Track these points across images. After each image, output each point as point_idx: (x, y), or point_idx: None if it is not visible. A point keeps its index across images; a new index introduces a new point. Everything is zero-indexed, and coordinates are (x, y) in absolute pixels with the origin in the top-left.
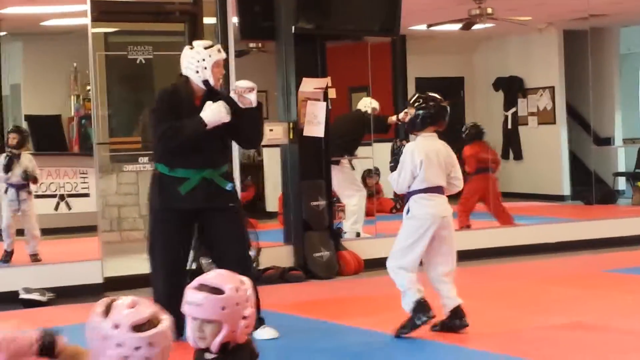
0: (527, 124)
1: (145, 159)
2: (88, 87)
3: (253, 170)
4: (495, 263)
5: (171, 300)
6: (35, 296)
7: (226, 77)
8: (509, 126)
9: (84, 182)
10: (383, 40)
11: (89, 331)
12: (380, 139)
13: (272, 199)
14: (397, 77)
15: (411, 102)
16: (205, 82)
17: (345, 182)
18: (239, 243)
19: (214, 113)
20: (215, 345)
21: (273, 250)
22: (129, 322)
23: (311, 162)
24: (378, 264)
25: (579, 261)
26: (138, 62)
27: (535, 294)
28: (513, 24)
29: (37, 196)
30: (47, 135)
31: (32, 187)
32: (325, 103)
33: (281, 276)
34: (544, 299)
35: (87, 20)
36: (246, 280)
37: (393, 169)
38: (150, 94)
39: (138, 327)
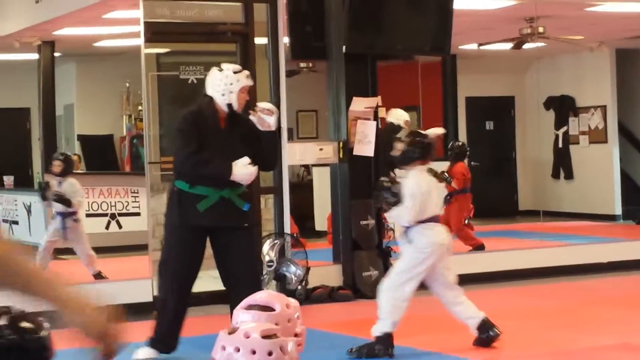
0: (578, 143)
1: None
2: (140, 107)
3: (302, 190)
4: (545, 283)
5: (177, 316)
6: None
7: (278, 97)
8: (560, 145)
9: (135, 201)
10: (434, 60)
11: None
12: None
13: (321, 218)
14: (448, 96)
15: (401, 138)
16: (229, 105)
17: None
18: (250, 262)
19: (243, 173)
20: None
21: (322, 269)
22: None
23: (361, 181)
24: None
25: (630, 281)
26: (190, 82)
27: (585, 314)
28: (564, 43)
29: (88, 215)
30: (99, 155)
31: (79, 214)
32: (375, 122)
33: (330, 295)
34: (593, 320)
35: (140, 41)
36: (293, 300)
37: (395, 203)
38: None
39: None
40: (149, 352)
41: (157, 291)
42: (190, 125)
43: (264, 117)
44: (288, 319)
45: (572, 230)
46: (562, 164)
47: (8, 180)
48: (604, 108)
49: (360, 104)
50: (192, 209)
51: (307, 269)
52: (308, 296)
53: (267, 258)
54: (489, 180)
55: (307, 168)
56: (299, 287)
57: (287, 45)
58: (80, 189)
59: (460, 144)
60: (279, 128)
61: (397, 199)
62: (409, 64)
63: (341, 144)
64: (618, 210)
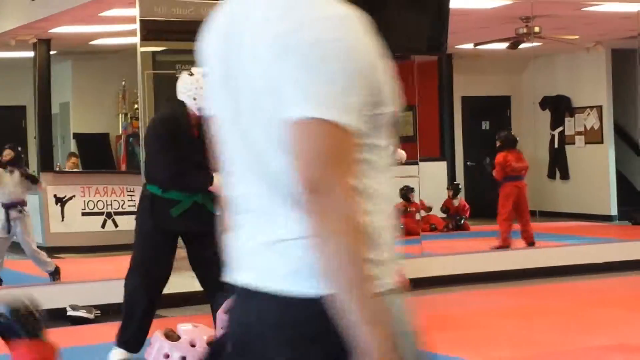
0: (574, 143)
1: None
2: (136, 106)
3: None
4: (541, 283)
5: (147, 318)
6: (82, 313)
7: None
8: (556, 145)
9: (131, 200)
10: (430, 59)
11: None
12: (427, 158)
13: None
14: (444, 96)
15: None
16: (201, 109)
17: None
18: (224, 266)
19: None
20: None
21: None
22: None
23: None
24: (424, 283)
25: (626, 282)
26: None
27: (582, 315)
28: (560, 42)
29: (84, 213)
30: (95, 154)
31: (26, 207)
32: None
33: None
34: (590, 320)
35: (136, 39)
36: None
37: None
38: None
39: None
40: (122, 352)
41: (125, 291)
42: (167, 131)
43: None
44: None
45: (568, 230)
46: (558, 164)
47: None
48: (599, 108)
49: None
50: (165, 214)
51: None
52: None
53: None
54: (484, 180)
55: None
56: None
57: None
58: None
59: (505, 133)
60: None
61: None
62: (404, 63)
63: None
64: (614, 211)
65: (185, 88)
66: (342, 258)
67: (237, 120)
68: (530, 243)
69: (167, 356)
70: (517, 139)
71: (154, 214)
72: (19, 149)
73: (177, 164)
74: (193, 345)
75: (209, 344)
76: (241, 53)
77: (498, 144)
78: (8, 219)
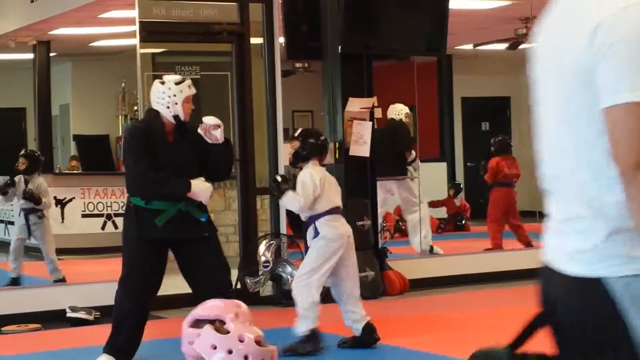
0: None
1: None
2: (135, 107)
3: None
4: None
5: (139, 327)
6: (81, 315)
7: (274, 97)
8: None
9: None
10: (429, 60)
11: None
12: (427, 159)
13: None
14: (443, 96)
15: (296, 135)
16: (176, 117)
17: (412, 197)
18: (216, 270)
19: (203, 191)
20: None
21: None
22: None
23: (357, 181)
24: (423, 284)
25: None
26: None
27: None
28: None
29: (84, 215)
30: (95, 155)
31: (46, 211)
32: (371, 123)
33: (326, 296)
34: None
35: (135, 41)
36: (241, 303)
37: (285, 190)
38: (197, 114)
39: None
40: (109, 359)
41: (116, 299)
42: (139, 141)
43: (212, 132)
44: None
45: None
46: None
47: (3, 180)
48: None
49: (356, 105)
50: (150, 224)
51: None
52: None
53: (263, 259)
54: (484, 181)
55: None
56: None
57: (283, 45)
58: (47, 189)
59: (500, 138)
60: (226, 140)
61: (287, 186)
62: (404, 64)
63: (337, 144)
64: None
65: (158, 97)
66: None
67: (560, 110)
68: (528, 243)
69: (214, 347)
70: (512, 144)
71: (139, 226)
72: (37, 154)
73: (152, 172)
74: (241, 341)
75: (258, 342)
76: (563, 45)
77: (492, 148)
78: (28, 224)
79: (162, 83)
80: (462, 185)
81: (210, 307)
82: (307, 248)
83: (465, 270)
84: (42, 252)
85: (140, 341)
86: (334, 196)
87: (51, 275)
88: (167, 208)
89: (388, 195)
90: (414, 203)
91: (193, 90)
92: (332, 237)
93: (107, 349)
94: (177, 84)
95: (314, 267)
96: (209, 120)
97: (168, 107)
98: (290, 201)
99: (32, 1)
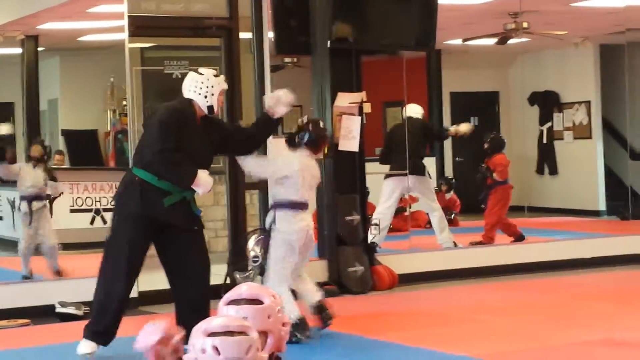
0: (562, 139)
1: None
2: (124, 102)
3: None
4: (530, 278)
5: (123, 304)
6: (71, 310)
7: (262, 92)
8: (545, 141)
9: None
10: (418, 55)
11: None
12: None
13: None
14: (432, 91)
15: (300, 123)
16: (210, 107)
17: (431, 194)
18: (203, 263)
19: (206, 183)
20: (265, 357)
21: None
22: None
23: (346, 176)
24: (412, 279)
25: (614, 277)
26: (174, 76)
27: (570, 310)
28: (549, 38)
29: (73, 210)
30: (84, 150)
31: (45, 199)
32: (360, 118)
33: None
34: (578, 315)
35: (124, 36)
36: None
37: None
38: None
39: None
40: (91, 345)
41: (101, 282)
42: (174, 121)
43: (283, 105)
44: (278, 310)
45: (557, 225)
46: (547, 160)
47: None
48: (588, 104)
49: (345, 100)
50: (155, 202)
51: None
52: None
53: (252, 254)
54: (473, 176)
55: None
56: None
57: (272, 40)
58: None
59: (496, 135)
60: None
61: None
62: (393, 59)
63: None
64: (602, 206)
65: (195, 86)
66: None
67: None
68: (520, 237)
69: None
70: (505, 141)
71: (143, 200)
72: (47, 144)
73: (172, 153)
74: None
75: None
76: None
77: (486, 146)
78: (30, 212)
79: (200, 74)
80: (453, 181)
81: (251, 289)
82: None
83: (454, 265)
84: (41, 241)
85: (119, 326)
86: (304, 191)
87: (51, 266)
88: (174, 191)
89: (404, 190)
90: (433, 199)
91: (226, 85)
92: (289, 231)
93: (89, 334)
94: (215, 76)
95: (276, 259)
96: (288, 97)
97: (205, 97)
98: (245, 160)
99: None
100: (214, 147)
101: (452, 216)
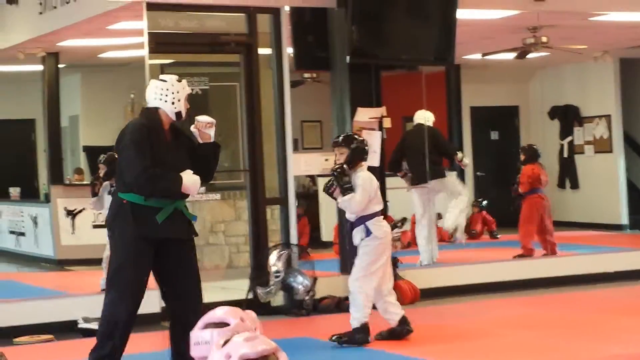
0: (583, 153)
1: (202, 189)
2: None
3: (308, 200)
4: (552, 292)
5: (128, 327)
6: (93, 325)
7: (282, 107)
8: (565, 155)
9: None
10: (438, 70)
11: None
12: None
13: (328, 229)
14: (452, 106)
15: (340, 141)
16: (179, 114)
17: (456, 188)
18: (197, 275)
19: (194, 185)
20: None
21: (329, 279)
22: (239, 354)
23: None
24: (435, 294)
25: (638, 291)
26: (194, 92)
27: (595, 324)
28: (568, 52)
29: (95, 226)
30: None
31: None
32: (380, 132)
33: (337, 305)
34: (603, 329)
35: (144, 52)
36: (251, 312)
37: (347, 190)
38: None
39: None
40: None
41: (106, 305)
42: (144, 138)
43: (205, 130)
44: (248, 329)
45: (579, 240)
46: (568, 174)
47: (14, 192)
48: (608, 117)
49: (364, 115)
50: (148, 221)
51: (314, 280)
52: (315, 306)
53: (274, 269)
54: (494, 190)
55: (312, 178)
56: (307, 297)
57: (291, 55)
58: None
59: (529, 145)
60: (217, 142)
61: (350, 187)
62: (413, 74)
63: None
64: (625, 220)
65: (160, 93)
66: None
67: None
68: (552, 251)
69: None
70: (540, 152)
71: (136, 224)
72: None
73: (153, 169)
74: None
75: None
76: None
77: (523, 157)
78: None
79: (164, 80)
80: (482, 201)
81: (219, 313)
82: (349, 247)
83: (476, 279)
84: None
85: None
86: (380, 198)
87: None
88: (165, 206)
89: (431, 195)
90: (460, 191)
91: (190, 90)
92: (383, 235)
93: (94, 358)
94: (178, 81)
95: (369, 263)
96: (203, 118)
97: (173, 103)
98: (349, 204)
99: (40, 13)
100: (191, 152)
101: (497, 235)
